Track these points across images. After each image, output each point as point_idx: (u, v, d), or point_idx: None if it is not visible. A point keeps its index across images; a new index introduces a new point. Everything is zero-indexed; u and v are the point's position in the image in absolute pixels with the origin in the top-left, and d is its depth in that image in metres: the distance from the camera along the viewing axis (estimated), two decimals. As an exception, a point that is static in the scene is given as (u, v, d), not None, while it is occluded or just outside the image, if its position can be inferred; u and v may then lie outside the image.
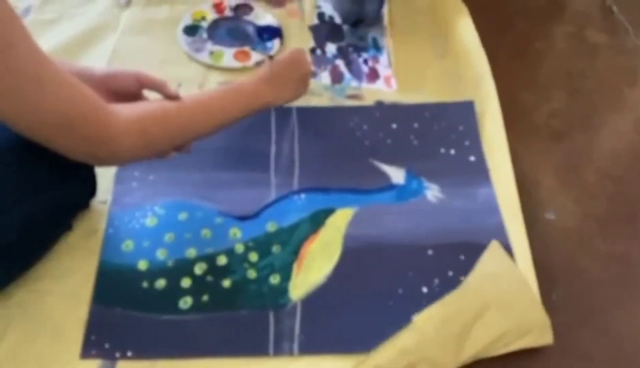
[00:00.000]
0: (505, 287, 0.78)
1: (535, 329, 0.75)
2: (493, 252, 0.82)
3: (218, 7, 1.17)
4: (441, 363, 0.71)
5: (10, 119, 0.61)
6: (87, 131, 0.65)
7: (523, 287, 0.78)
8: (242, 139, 0.95)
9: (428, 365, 0.71)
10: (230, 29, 1.14)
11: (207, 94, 0.86)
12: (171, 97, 0.77)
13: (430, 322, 0.74)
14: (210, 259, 0.80)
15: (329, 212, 0.86)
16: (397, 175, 0.92)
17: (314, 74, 1.05)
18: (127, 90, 0.79)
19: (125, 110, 0.69)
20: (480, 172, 0.93)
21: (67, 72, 0.64)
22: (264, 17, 1.17)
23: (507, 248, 0.83)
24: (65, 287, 0.76)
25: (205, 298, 0.77)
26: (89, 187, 0.81)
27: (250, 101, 0.85)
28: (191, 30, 1.12)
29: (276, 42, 1.12)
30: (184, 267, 0.79)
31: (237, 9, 1.18)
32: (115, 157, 0.71)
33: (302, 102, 1.01)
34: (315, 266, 0.81)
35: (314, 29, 1.16)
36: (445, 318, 0.74)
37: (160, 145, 0.75)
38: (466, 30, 1.12)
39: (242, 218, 0.85)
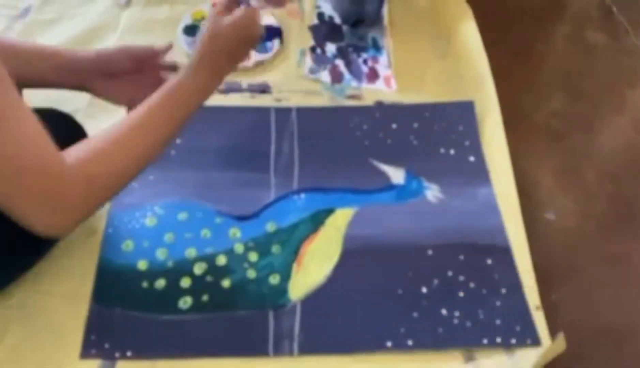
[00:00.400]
0: None
1: None
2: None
3: (218, 7, 1.17)
4: None
5: None
6: (41, 182, 0.59)
7: None
8: (241, 139, 0.95)
9: None
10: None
11: (146, 109, 0.70)
12: (164, 50, 0.81)
13: None
14: (210, 259, 0.80)
15: (329, 212, 0.86)
16: (396, 175, 0.92)
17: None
18: (123, 69, 0.79)
19: (68, 158, 0.61)
20: (480, 172, 0.93)
21: (31, 114, 0.59)
22: (264, 17, 1.17)
23: (507, 249, 0.84)
24: (65, 287, 0.76)
25: (205, 298, 0.77)
26: None
27: (192, 100, 0.74)
28: (191, 30, 1.12)
29: (276, 42, 1.12)
30: (184, 267, 0.79)
31: (236, 9, 1.18)
32: (68, 215, 0.62)
33: (302, 102, 1.01)
34: (314, 266, 0.81)
35: (313, 29, 1.16)
36: None
37: (112, 186, 0.67)
38: (469, 32, 1.12)
39: (242, 218, 0.85)
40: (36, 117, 0.59)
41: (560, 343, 0.72)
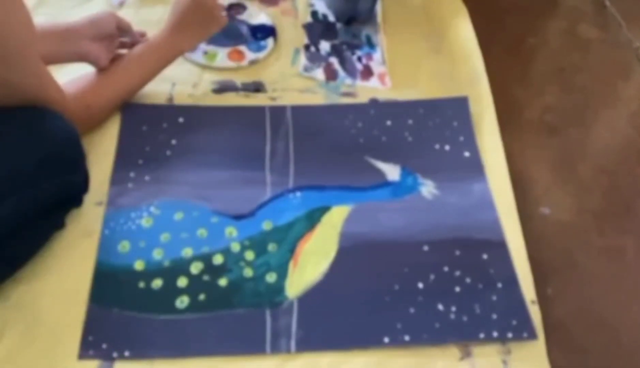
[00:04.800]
0: None
1: None
2: None
3: (212, 7, 1.17)
4: None
5: None
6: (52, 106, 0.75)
7: None
8: (237, 138, 0.95)
9: None
10: (224, 29, 1.14)
11: (128, 56, 0.93)
12: (139, 36, 0.98)
13: None
14: (206, 258, 0.80)
15: (325, 209, 0.87)
16: (392, 172, 0.92)
17: (226, 11, 1.12)
18: (108, 32, 0.91)
19: (70, 89, 0.81)
20: (474, 168, 0.94)
21: (43, 64, 0.75)
22: (258, 16, 1.17)
23: (503, 244, 0.84)
24: (62, 288, 0.76)
25: (201, 297, 0.77)
26: (81, 181, 0.80)
27: (163, 54, 0.95)
28: (185, 30, 1.12)
29: (270, 41, 1.12)
30: (180, 266, 0.79)
31: (230, 8, 1.18)
32: (77, 127, 0.78)
33: (296, 100, 1.01)
34: (311, 264, 0.81)
35: (307, 28, 1.16)
36: None
37: (103, 112, 0.91)
38: (463, 28, 1.13)
39: (238, 217, 0.85)
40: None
41: None
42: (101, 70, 0.90)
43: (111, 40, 0.92)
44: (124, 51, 0.96)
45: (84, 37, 0.89)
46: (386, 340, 0.75)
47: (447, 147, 0.96)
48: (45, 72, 0.77)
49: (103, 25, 0.91)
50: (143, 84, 0.95)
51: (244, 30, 1.14)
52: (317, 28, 1.16)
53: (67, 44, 0.89)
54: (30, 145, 0.71)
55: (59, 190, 0.75)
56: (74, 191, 0.80)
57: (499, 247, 0.84)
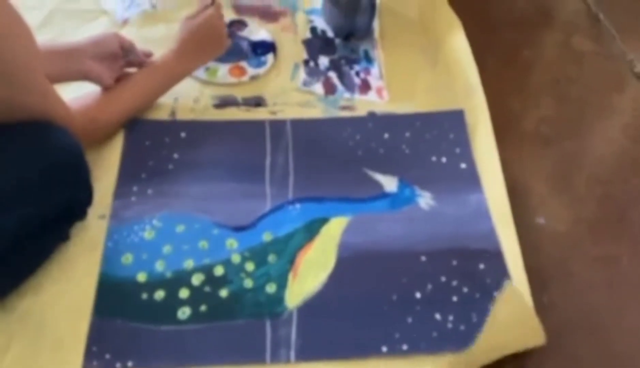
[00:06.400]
0: (517, 330, 0.77)
1: (529, 337, 0.76)
2: (510, 297, 0.79)
3: (213, 24, 1.19)
4: None
5: None
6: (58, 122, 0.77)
7: (529, 319, 0.77)
8: (237, 151, 0.97)
9: None
10: (226, 45, 1.17)
11: (134, 75, 0.96)
12: (143, 56, 1.00)
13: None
14: (207, 270, 0.82)
15: (324, 221, 0.88)
16: (389, 183, 0.94)
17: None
18: (111, 52, 0.94)
19: (75, 106, 0.84)
20: (471, 179, 0.95)
21: (47, 80, 0.77)
22: (258, 32, 1.19)
23: (499, 253, 0.85)
24: (66, 300, 0.78)
25: (203, 308, 0.78)
26: (85, 194, 0.81)
27: (169, 74, 0.98)
28: (186, 47, 1.14)
29: (270, 57, 1.14)
30: (182, 278, 0.81)
31: (231, 25, 1.20)
32: (84, 141, 0.79)
33: (296, 114, 1.03)
34: (310, 274, 0.82)
35: (307, 43, 1.19)
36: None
37: (108, 127, 0.93)
38: (458, 42, 1.14)
39: (239, 228, 0.87)
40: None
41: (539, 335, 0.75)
42: (107, 88, 0.92)
43: (114, 59, 0.95)
44: (131, 70, 0.99)
45: (87, 56, 0.92)
46: (384, 349, 0.76)
47: (443, 159, 0.98)
48: (50, 89, 0.79)
49: (106, 44, 0.94)
50: (149, 102, 0.98)
51: (245, 46, 1.17)
52: (316, 43, 1.18)
53: (70, 63, 0.91)
54: (35, 159, 0.72)
55: (63, 204, 0.77)
56: (78, 204, 0.82)
57: (496, 257, 0.85)
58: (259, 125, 1.01)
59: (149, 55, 1.02)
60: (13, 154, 0.71)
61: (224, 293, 0.80)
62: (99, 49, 0.93)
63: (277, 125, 1.01)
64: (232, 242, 0.85)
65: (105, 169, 0.91)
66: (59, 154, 0.74)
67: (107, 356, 0.73)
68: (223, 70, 1.11)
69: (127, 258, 0.82)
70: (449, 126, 1.02)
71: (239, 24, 1.21)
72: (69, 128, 0.77)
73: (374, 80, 1.11)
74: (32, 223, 0.73)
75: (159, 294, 0.79)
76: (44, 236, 0.78)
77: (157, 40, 1.16)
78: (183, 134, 0.98)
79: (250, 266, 0.83)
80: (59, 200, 0.76)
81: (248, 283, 0.81)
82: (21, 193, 0.71)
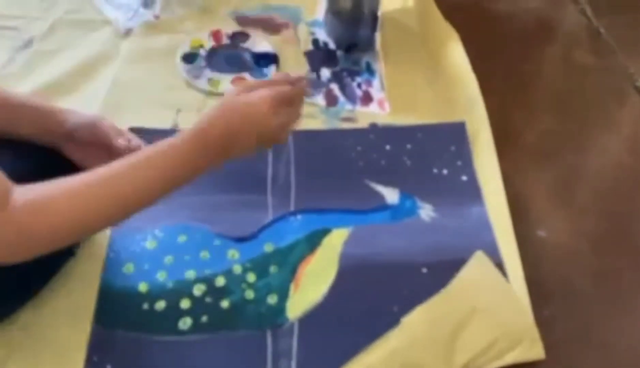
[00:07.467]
0: (489, 293, 0.81)
1: (526, 341, 0.76)
2: (478, 261, 0.84)
3: (215, 35, 1.21)
4: None
5: None
6: None
7: (508, 294, 0.81)
8: (239, 162, 0.96)
9: None
10: (228, 56, 1.18)
11: (120, 164, 0.63)
12: (131, 148, 0.73)
13: (418, 324, 0.77)
14: (209, 280, 0.82)
15: (325, 232, 0.88)
16: (391, 195, 0.94)
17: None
18: (90, 138, 0.75)
19: (18, 199, 0.56)
20: (472, 191, 0.95)
21: None
22: (261, 44, 1.20)
23: (500, 266, 0.85)
24: (67, 309, 0.78)
25: (204, 318, 0.78)
26: None
27: (180, 167, 0.66)
28: (189, 57, 1.15)
29: (272, 68, 1.15)
30: (184, 288, 0.81)
31: (234, 36, 1.21)
32: None
33: (298, 125, 1.03)
34: (312, 285, 0.82)
35: (309, 55, 1.19)
36: (433, 320, 0.77)
37: (51, 241, 0.60)
38: (456, 54, 1.15)
39: (240, 239, 0.87)
40: None
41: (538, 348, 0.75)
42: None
43: (100, 147, 0.75)
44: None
45: (61, 134, 0.75)
46: (385, 361, 0.76)
47: (445, 171, 0.98)
48: None
49: (83, 133, 0.75)
50: (129, 205, 0.64)
51: (247, 57, 1.17)
52: (318, 55, 1.19)
53: (43, 133, 0.74)
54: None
55: None
56: None
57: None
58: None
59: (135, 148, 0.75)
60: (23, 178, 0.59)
61: (225, 304, 0.80)
62: (77, 136, 0.75)
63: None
64: (233, 253, 0.85)
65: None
66: None
67: (108, 366, 0.73)
68: (226, 82, 1.11)
69: (129, 268, 0.82)
70: (451, 138, 1.02)
71: (241, 35, 1.22)
72: None
73: (375, 92, 1.12)
74: None
75: (160, 304, 0.79)
76: (52, 255, 0.70)
77: (160, 49, 1.17)
78: (185, 144, 0.98)
79: (251, 277, 0.83)
80: None
81: (249, 294, 0.81)
82: None
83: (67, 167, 0.76)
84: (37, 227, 0.58)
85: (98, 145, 0.75)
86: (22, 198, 0.57)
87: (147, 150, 0.66)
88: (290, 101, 0.72)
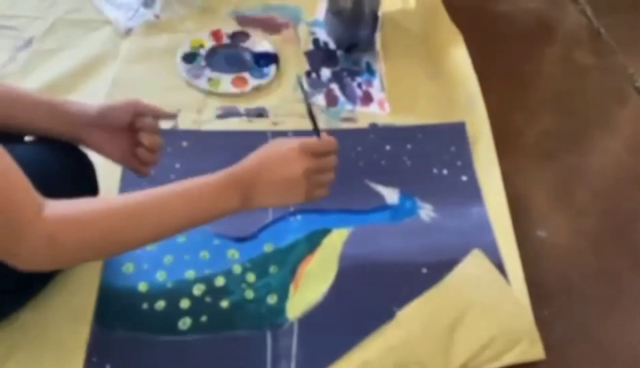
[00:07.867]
0: (486, 289, 0.81)
1: (525, 340, 0.76)
2: (474, 258, 0.84)
3: (216, 35, 1.21)
4: None
5: None
6: (9, 227, 0.57)
7: (506, 292, 0.81)
8: (239, 161, 0.97)
9: None
10: (228, 56, 1.18)
11: (152, 194, 0.66)
12: (168, 116, 0.80)
13: (415, 319, 0.77)
14: (208, 280, 0.82)
15: (325, 232, 0.88)
16: (391, 195, 0.94)
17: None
18: (123, 123, 0.76)
19: (49, 210, 0.59)
20: (472, 192, 0.95)
21: (8, 158, 0.58)
22: (261, 43, 1.20)
23: (500, 266, 0.85)
24: (67, 309, 0.78)
25: (204, 318, 0.78)
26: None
27: (206, 206, 0.68)
28: (189, 57, 1.15)
29: (272, 68, 1.15)
30: (183, 288, 0.81)
31: (234, 36, 1.21)
32: (28, 263, 0.61)
33: (298, 125, 1.04)
34: (311, 285, 0.82)
35: (309, 55, 1.19)
36: (429, 315, 0.77)
37: (80, 254, 0.63)
38: (459, 55, 1.15)
39: (240, 239, 0.87)
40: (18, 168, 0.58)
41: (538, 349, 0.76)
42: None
43: (127, 133, 0.77)
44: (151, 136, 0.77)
45: (85, 123, 0.75)
46: (385, 361, 0.76)
47: (445, 171, 0.98)
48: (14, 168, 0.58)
49: (114, 115, 0.76)
50: (152, 236, 0.67)
51: (247, 57, 1.17)
52: (319, 55, 1.19)
53: (64, 125, 0.75)
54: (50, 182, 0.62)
55: None
56: None
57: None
58: (260, 136, 1.01)
59: (173, 115, 0.82)
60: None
61: (224, 303, 0.80)
62: (107, 120, 0.76)
63: (279, 136, 1.00)
64: (233, 253, 0.85)
65: (107, 178, 0.91)
66: None
67: (108, 366, 0.73)
68: (226, 81, 1.11)
69: (128, 268, 0.82)
70: (451, 138, 1.02)
71: (242, 35, 1.22)
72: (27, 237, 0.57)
73: (375, 92, 1.12)
74: None
75: (160, 304, 0.79)
76: None
77: (160, 49, 1.17)
78: (185, 144, 0.98)
79: (251, 277, 0.83)
80: None
81: (249, 294, 0.81)
82: None
83: (87, 164, 0.78)
84: (66, 237, 0.60)
85: (124, 129, 0.77)
86: (54, 210, 0.60)
87: (182, 186, 0.69)
88: (319, 151, 0.73)
